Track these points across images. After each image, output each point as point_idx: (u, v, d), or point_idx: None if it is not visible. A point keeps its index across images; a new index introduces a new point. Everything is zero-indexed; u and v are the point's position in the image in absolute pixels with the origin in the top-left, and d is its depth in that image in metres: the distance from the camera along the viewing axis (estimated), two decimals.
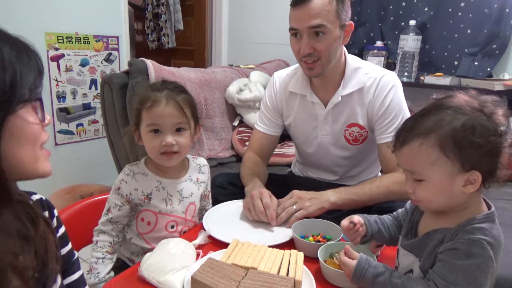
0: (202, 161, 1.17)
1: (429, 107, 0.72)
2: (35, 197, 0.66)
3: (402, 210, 0.90)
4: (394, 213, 0.92)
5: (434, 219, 0.77)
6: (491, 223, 0.70)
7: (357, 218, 0.89)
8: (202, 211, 1.18)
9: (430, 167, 0.69)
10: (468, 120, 0.67)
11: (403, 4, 2.39)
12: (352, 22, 1.24)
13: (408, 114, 1.27)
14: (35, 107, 0.56)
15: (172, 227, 1.07)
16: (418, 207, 0.82)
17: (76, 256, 0.74)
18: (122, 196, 1.02)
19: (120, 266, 1.06)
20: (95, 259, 1.00)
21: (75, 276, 0.73)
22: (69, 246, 0.72)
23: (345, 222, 0.89)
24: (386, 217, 0.92)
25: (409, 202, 0.87)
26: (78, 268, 0.74)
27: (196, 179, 1.12)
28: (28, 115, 0.55)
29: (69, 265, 0.72)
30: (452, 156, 0.67)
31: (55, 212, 0.70)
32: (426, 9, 2.31)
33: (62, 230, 0.71)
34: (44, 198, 0.68)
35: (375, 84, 1.26)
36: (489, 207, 0.74)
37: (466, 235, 0.68)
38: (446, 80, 2.06)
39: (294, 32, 1.21)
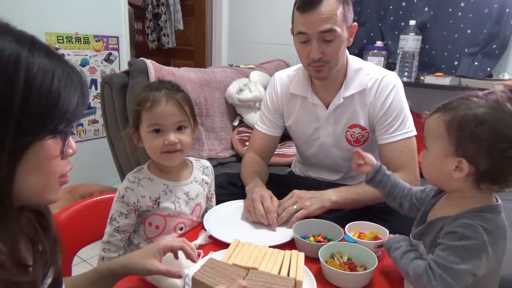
0: (205, 163, 1.17)
1: (470, 93, 0.74)
2: None
3: (420, 190, 0.91)
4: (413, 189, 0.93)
5: (442, 208, 0.79)
6: (495, 214, 0.71)
7: (370, 159, 0.95)
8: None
9: (435, 139, 0.75)
10: (484, 113, 0.68)
11: (403, 4, 2.39)
12: (355, 24, 1.23)
13: (409, 114, 1.26)
14: (64, 139, 0.54)
15: (181, 229, 1.06)
16: (431, 197, 0.85)
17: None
18: (127, 204, 1.00)
19: None
20: None
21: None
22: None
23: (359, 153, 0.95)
24: (401, 184, 0.94)
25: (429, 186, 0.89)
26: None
27: (201, 179, 1.12)
28: (53, 146, 0.52)
29: None
30: (452, 137, 0.71)
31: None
32: (426, 9, 2.31)
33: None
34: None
35: (377, 85, 1.26)
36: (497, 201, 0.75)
37: (463, 220, 0.70)
38: (446, 80, 2.06)
39: (303, 37, 1.18)
